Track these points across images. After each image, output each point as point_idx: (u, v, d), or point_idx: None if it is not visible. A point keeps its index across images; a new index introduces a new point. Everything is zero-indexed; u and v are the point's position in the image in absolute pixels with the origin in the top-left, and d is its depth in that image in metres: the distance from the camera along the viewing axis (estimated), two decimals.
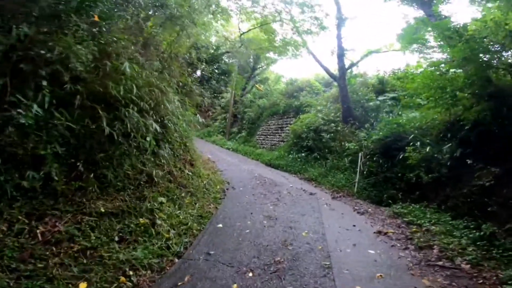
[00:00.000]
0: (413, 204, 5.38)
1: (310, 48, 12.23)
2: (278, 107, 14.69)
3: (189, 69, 9.53)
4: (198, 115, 7.15)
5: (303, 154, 10.17)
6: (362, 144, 7.95)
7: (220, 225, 4.32)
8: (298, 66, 52.01)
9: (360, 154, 7.57)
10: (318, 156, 9.60)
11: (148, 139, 4.07)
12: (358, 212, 5.36)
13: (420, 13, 8.23)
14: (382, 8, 26.40)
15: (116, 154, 3.67)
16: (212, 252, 3.46)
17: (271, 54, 16.82)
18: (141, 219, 3.61)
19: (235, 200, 5.81)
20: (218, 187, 6.57)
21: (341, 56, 10.72)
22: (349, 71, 11.40)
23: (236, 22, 14.01)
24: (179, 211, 4.33)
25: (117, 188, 3.65)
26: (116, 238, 3.17)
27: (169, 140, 5.43)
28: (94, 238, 2.94)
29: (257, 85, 19.59)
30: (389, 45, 11.64)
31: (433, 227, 4.36)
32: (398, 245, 3.91)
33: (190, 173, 5.84)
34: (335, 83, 12.10)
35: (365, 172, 7.31)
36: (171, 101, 5.15)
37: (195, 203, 4.95)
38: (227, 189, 6.69)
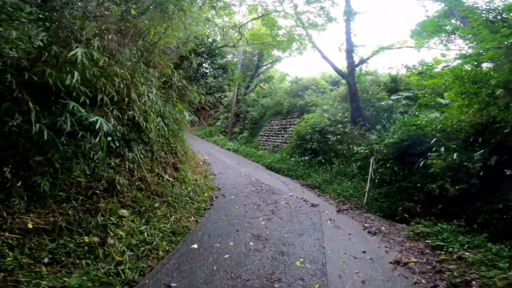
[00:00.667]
0: (440, 223, 4.38)
1: (316, 44, 11.32)
2: (281, 106, 13.83)
3: (185, 62, 8.77)
4: (186, 112, 6.34)
5: (306, 158, 9.25)
6: (373, 148, 6.98)
7: (195, 246, 3.48)
8: (304, 64, 50.61)
9: (371, 160, 6.60)
10: (323, 160, 8.66)
11: (100, 139, 3.27)
12: (369, 232, 4.38)
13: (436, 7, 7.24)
14: (395, 2, 24.69)
15: (56, 157, 2.89)
16: (173, 285, 2.64)
17: (275, 52, 15.99)
18: (86, 237, 2.83)
19: (222, 212, 4.95)
20: (205, 195, 5.75)
21: (350, 51, 9.77)
22: (358, 68, 10.43)
23: (237, 17, 13.28)
24: (145, 227, 3.52)
25: (58, 200, 2.88)
26: (46, 260, 2.47)
27: (145, 140, 4.66)
28: (11, 259, 2.27)
29: (261, 84, 18.77)
30: (403, 41, 10.60)
31: (467, 253, 3.39)
32: (424, 281, 2.96)
33: (171, 179, 5.03)
34: (343, 81, 11.15)
35: (376, 181, 6.34)
36: (144, 95, 4.36)
37: (171, 216, 4.14)
38: (215, 197, 5.85)
